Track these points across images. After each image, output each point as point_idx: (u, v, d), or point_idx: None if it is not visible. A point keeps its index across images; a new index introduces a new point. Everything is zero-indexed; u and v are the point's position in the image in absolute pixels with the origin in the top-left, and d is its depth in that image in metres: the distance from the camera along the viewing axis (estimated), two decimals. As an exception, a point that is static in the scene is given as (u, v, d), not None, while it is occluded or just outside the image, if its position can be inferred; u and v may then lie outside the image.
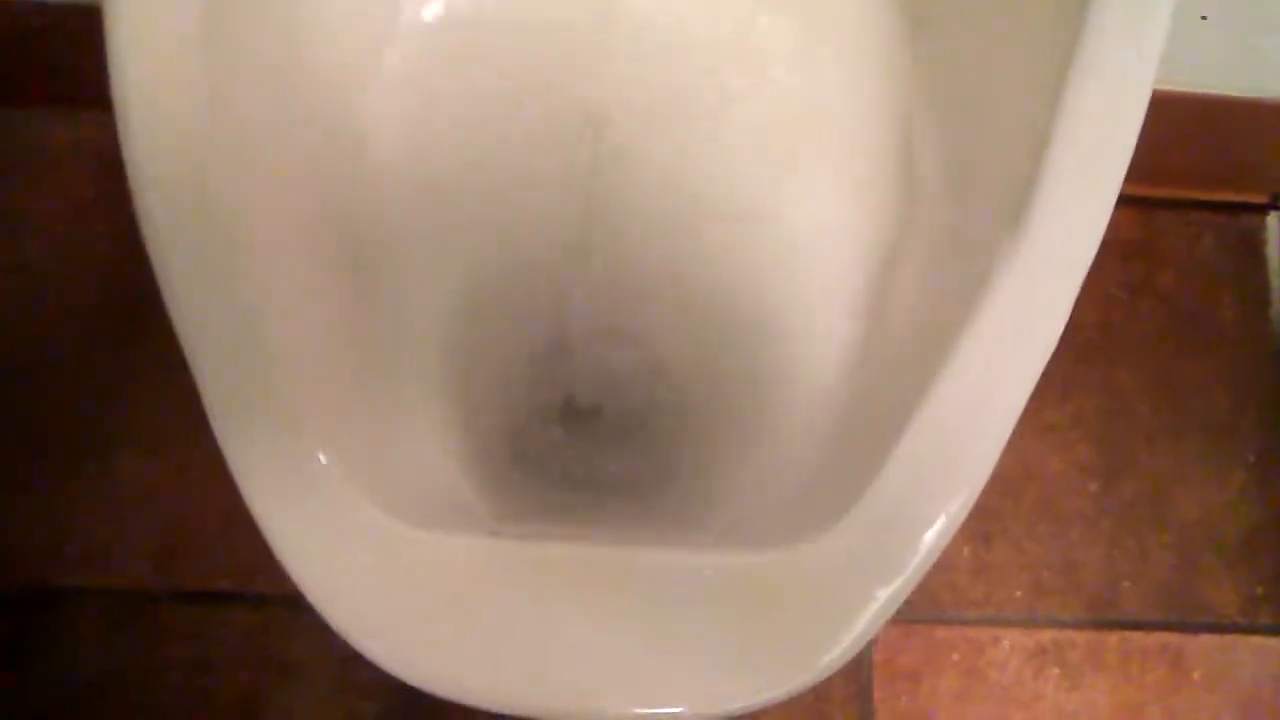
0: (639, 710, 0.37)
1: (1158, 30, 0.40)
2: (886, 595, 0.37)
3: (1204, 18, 0.68)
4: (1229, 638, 0.85)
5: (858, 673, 0.82)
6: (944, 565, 0.84)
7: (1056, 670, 0.84)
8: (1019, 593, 0.85)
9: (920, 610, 0.84)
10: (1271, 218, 0.93)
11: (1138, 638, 0.85)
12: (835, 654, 0.37)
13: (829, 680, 0.80)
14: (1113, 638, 0.85)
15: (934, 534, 0.37)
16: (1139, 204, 0.92)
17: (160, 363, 0.81)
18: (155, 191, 0.38)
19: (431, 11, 0.54)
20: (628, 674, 0.37)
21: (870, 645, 0.83)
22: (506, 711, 0.37)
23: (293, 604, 0.77)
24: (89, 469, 0.80)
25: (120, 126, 0.38)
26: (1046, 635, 0.84)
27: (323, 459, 0.38)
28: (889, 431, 0.38)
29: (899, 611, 0.86)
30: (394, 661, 0.37)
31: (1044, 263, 0.39)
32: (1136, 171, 0.82)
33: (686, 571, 0.38)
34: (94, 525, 0.80)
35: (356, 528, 0.38)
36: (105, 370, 0.82)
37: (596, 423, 0.56)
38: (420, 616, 0.37)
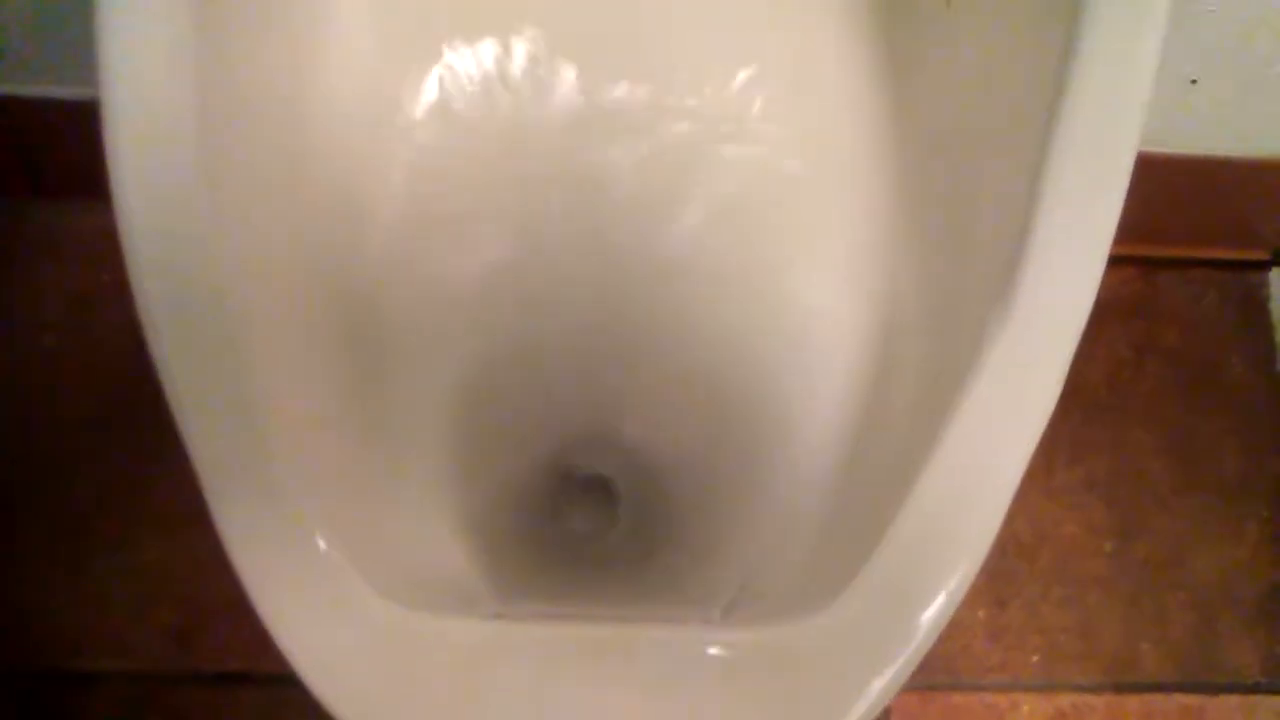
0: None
1: (1140, 94, 0.41)
2: (891, 672, 0.37)
3: (1193, 81, 0.69)
4: (1251, 698, 0.84)
5: (875, 742, 0.81)
6: (959, 630, 0.84)
7: (1076, 736, 0.83)
8: (1036, 657, 0.84)
9: (936, 676, 0.83)
10: (1273, 274, 0.93)
11: (1158, 700, 0.84)
12: (838, 733, 0.37)
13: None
14: (1133, 701, 0.84)
15: (935, 609, 0.37)
16: (1140, 264, 0.92)
17: (176, 447, 0.81)
18: (153, 275, 0.38)
19: (435, 92, 0.55)
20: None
21: (888, 713, 0.82)
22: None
23: (301, 684, 0.77)
24: (108, 553, 0.81)
25: (117, 209, 0.39)
26: (1065, 700, 0.84)
27: (321, 544, 0.38)
28: (888, 505, 0.38)
29: (916, 678, 0.86)
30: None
31: (1034, 333, 0.39)
32: (1137, 232, 0.83)
33: (690, 649, 0.38)
34: (114, 609, 0.80)
35: (356, 613, 0.38)
36: (123, 456, 0.83)
37: (598, 500, 0.57)
38: (423, 703, 0.37)
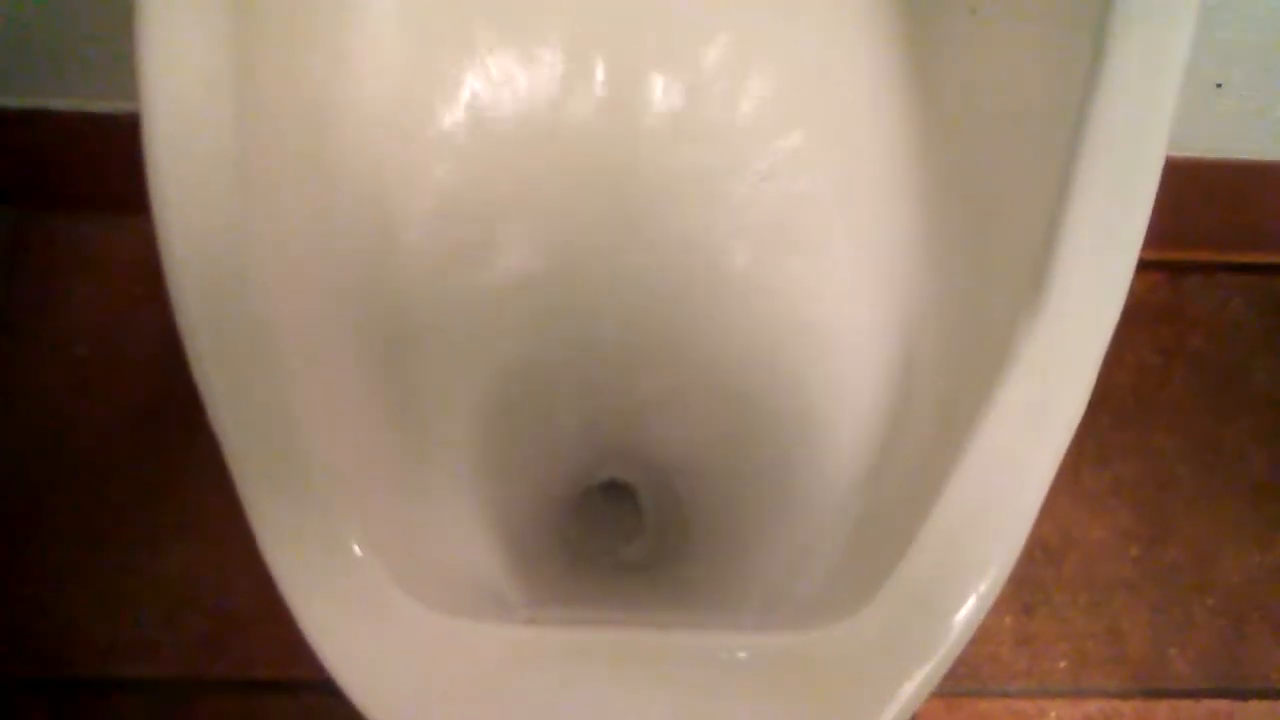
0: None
1: (1168, 96, 0.41)
2: (920, 676, 0.37)
3: (1219, 85, 0.69)
4: (1281, 704, 0.84)
5: (902, 749, 0.81)
6: (986, 636, 0.84)
7: (1105, 742, 0.82)
8: (1063, 663, 0.84)
9: (963, 683, 0.83)
10: (1300, 278, 0.93)
11: (1187, 706, 0.83)
12: (870, 738, 0.37)
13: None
14: (1162, 707, 0.83)
15: (965, 613, 0.37)
16: (1167, 268, 0.92)
17: (206, 457, 0.82)
18: (190, 282, 0.39)
19: (466, 98, 0.55)
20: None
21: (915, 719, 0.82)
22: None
23: (329, 690, 0.78)
24: (139, 562, 0.82)
25: (156, 218, 0.39)
26: (1093, 706, 0.83)
27: (356, 548, 0.38)
28: (916, 510, 0.38)
29: (943, 684, 0.85)
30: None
31: (1065, 333, 0.39)
32: (1163, 237, 0.83)
33: (721, 654, 0.38)
34: (144, 616, 0.81)
35: (391, 617, 0.38)
36: (153, 465, 0.84)
37: (628, 507, 0.57)
38: (456, 707, 0.38)
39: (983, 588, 0.37)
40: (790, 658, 0.38)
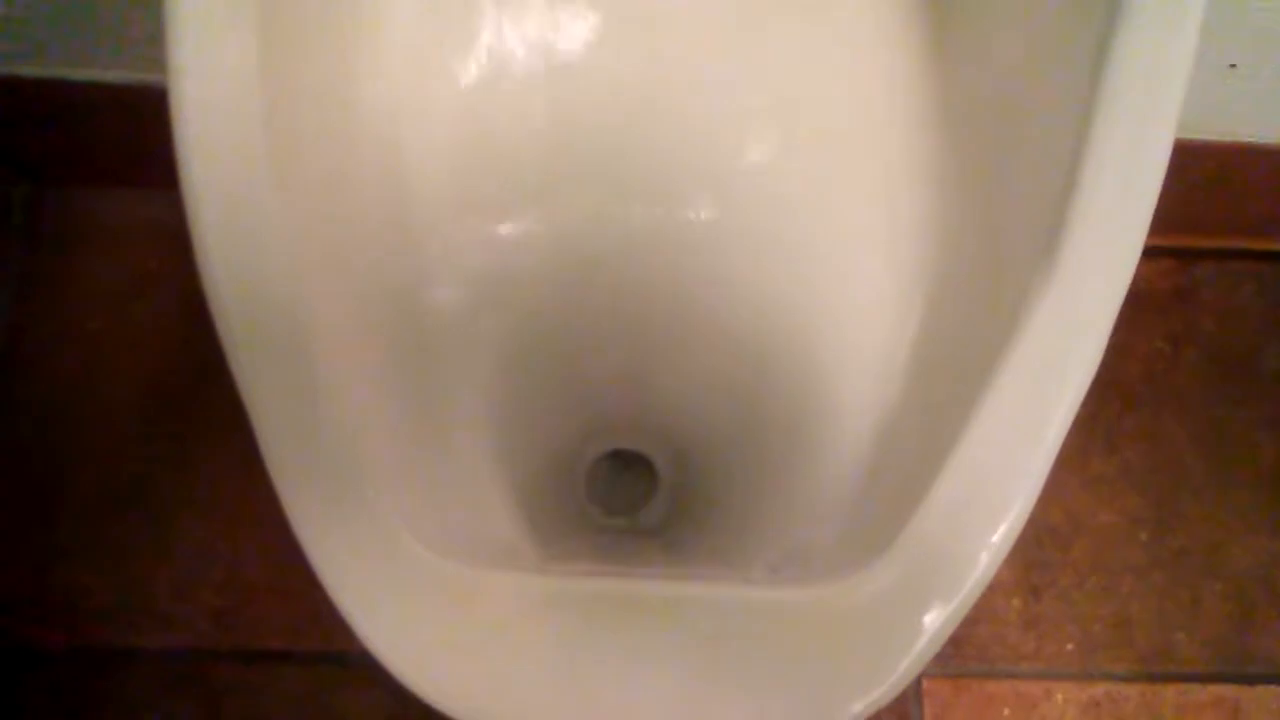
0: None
1: (1181, 68, 0.41)
2: (935, 626, 0.37)
3: (1233, 66, 0.69)
4: (1287, 689, 0.84)
5: (909, 727, 0.81)
6: (993, 618, 0.84)
7: (1111, 724, 0.83)
8: (1070, 646, 0.84)
9: (970, 664, 0.83)
10: (1312, 264, 0.93)
11: (1193, 690, 0.84)
12: (884, 688, 0.37)
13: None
14: (1168, 690, 0.84)
15: (979, 564, 0.37)
16: (1177, 255, 0.92)
17: (219, 428, 0.83)
18: (221, 265, 0.39)
19: (480, 71, 0.56)
20: (673, 711, 0.37)
21: (921, 700, 0.82)
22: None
23: (342, 660, 0.79)
24: (150, 533, 0.82)
25: (187, 206, 0.39)
26: (1100, 689, 0.83)
27: (376, 504, 0.39)
28: (929, 466, 0.39)
29: (949, 665, 0.86)
30: (443, 698, 0.37)
31: (1077, 292, 0.39)
32: (1174, 222, 0.83)
33: (734, 606, 0.39)
34: (156, 588, 0.82)
35: (408, 567, 0.38)
36: (165, 438, 0.84)
37: (639, 475, 0.57)
38: (471, 655, 0.38)
39: (996, 538, 0.37)
40: (807, 608, 0.38)
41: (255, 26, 0.41)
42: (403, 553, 0.39)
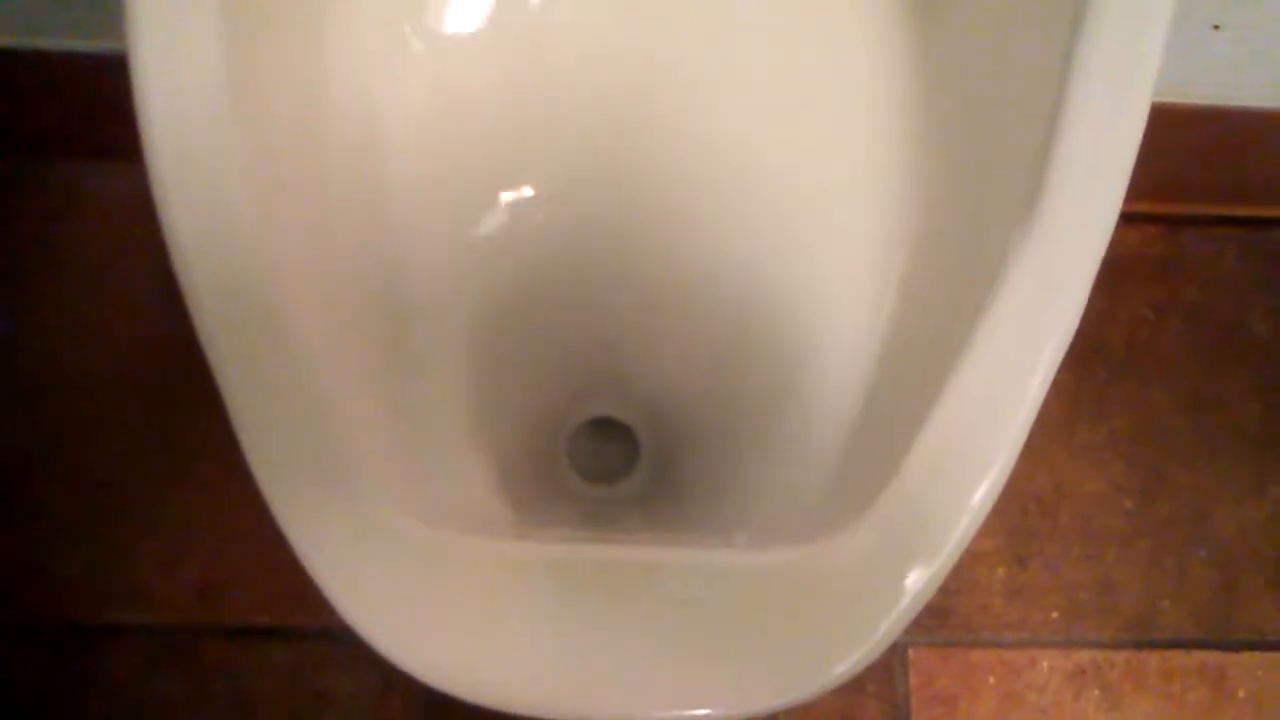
0: (665, 714, 0.37)
1: (1159, 22, 0.41)
2: (916, 588, 0.37)
3: (1216, 27, 0.68)
4: (1272, 655, 0.84)
5: (894, 696, 0.81)
6: (978, 588, 0.84)
7: (1097, 691, 0.83)
8: (1056, 614, 0.84)
9: (956, 633, 0.83)
10: (1297, 231, 0.93)
11: (1178, 657, 0.84)
12: (865, 649, 0.37)
13: (865, 704, 0.80)
14: (1153, 657, 0.84)
15: (960, 524, 0.37)
16: (1161, 221, 0.92)
17: (201, 402, 0.82)
18: (189, 236, 0.39)
19: (456, 26, 0.55)
20: (654, 676, 0.37)
21: (907, 670, 0.82)
22: (535, 714, 0.37)
23: (328, 637, 0.78)
24: (135, 508, 0.82)
25: (153, 181, 0.39)
26: (1085, 656, 0.84)
27: (350, 470, 0.39)
28: (909, 427, 0.39)
29: (934, 634, 0.86)
30: (424, 668, 0.37)
31: (1054, 253, 0.39)
32: (1158, 188, 0.82)
33: (712, 571, 0.39)
34: (140, 564, 0.81)
35: (384, 536, 0.38)
36: (146, 413, 0.84)
37: (624, 437, 0.57)
38: (449, 622, 0.38)
39: (977, 498, 0.37)
40: (787, 571, 0.38)
41: (219, 8, 0.40)
42: (379, 523, 0.38)
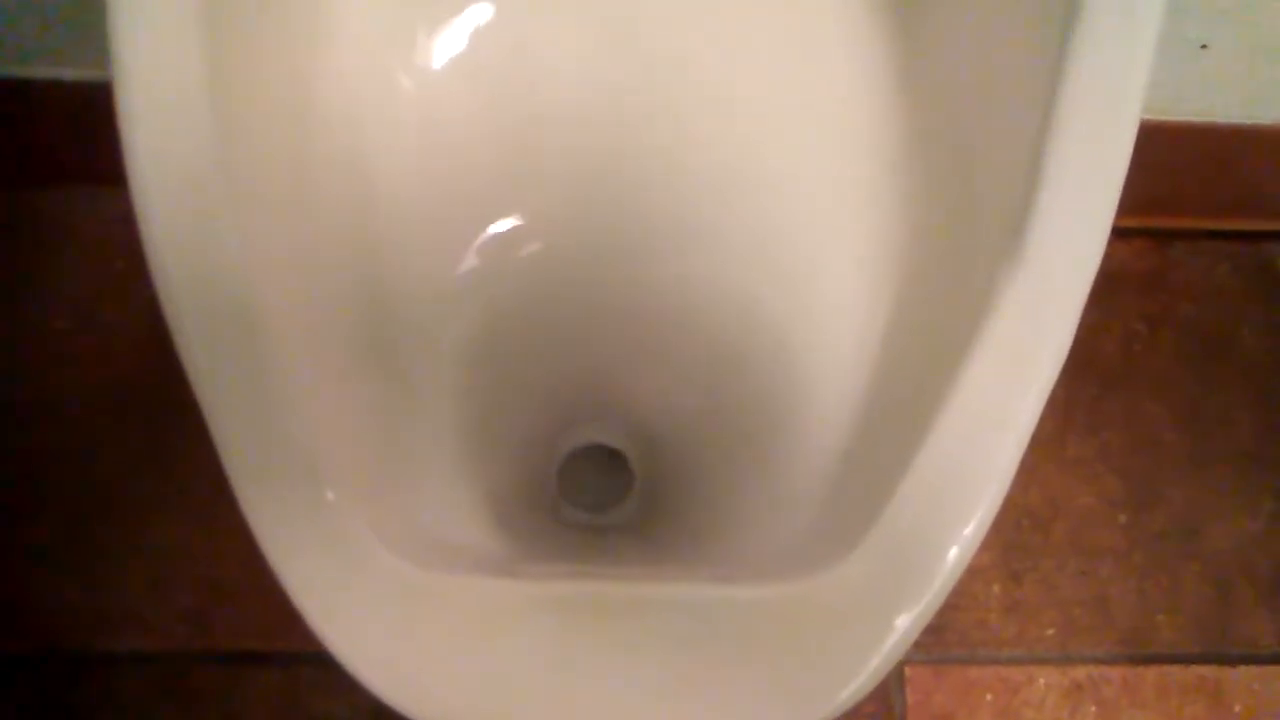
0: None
1: (1146, 42, 0.41)
2: (906, 623, 0.37)
3: (1204, 46, 0.69)
4: (1268, 669, 0.84)
5: (892, 714, 0.81)
6: (974, 604, 0.84)
7: (1093, 708, 0.83)
8: (1051, 630, 0.84)
9: (952, 650, 0.83)
10: (1287, 244, 0.93)
11: (1175, 672, 0.84)
12: (857, 684, 0.37)
13: (861, 722, 0.80)
14: (1150, 672, 0.84)
15: (950, 558, 0.37)
16: (1153, 236, 0.92)
17: (190, 430, 0.81)
18: (172, 262, 0.39)
19: (442, 53, 0.55)
20: (649, 714, 0.37)
21: (904, 687, 0.82)
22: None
23: (319, 661, 0.78)
24: (125, 535, 0.81)
25: (136, 202, 0.39)
26: (1081, 672, 0.83)
27: (337, 506, 0.38)
28: (899, 459, 0.38)
29: (931, 652, 0.86)
30: (414, 705, 0.37)
31: (1045, 279, 0.39)
32: (1149, 203, 0.82)
33: (704, 606, 0.38)
34: (131, 590, 0.81)
35: (374, 572, 0.38)
36: (137, 439, 0.83)
37: (616, 464, 0.56)
38: (438, 661, 0.37)
39: (967, 532, 0.37)
40: (778, 605, 0.38)
41: (203, 29, 0.40)
42: (369, 558, 0.38)
